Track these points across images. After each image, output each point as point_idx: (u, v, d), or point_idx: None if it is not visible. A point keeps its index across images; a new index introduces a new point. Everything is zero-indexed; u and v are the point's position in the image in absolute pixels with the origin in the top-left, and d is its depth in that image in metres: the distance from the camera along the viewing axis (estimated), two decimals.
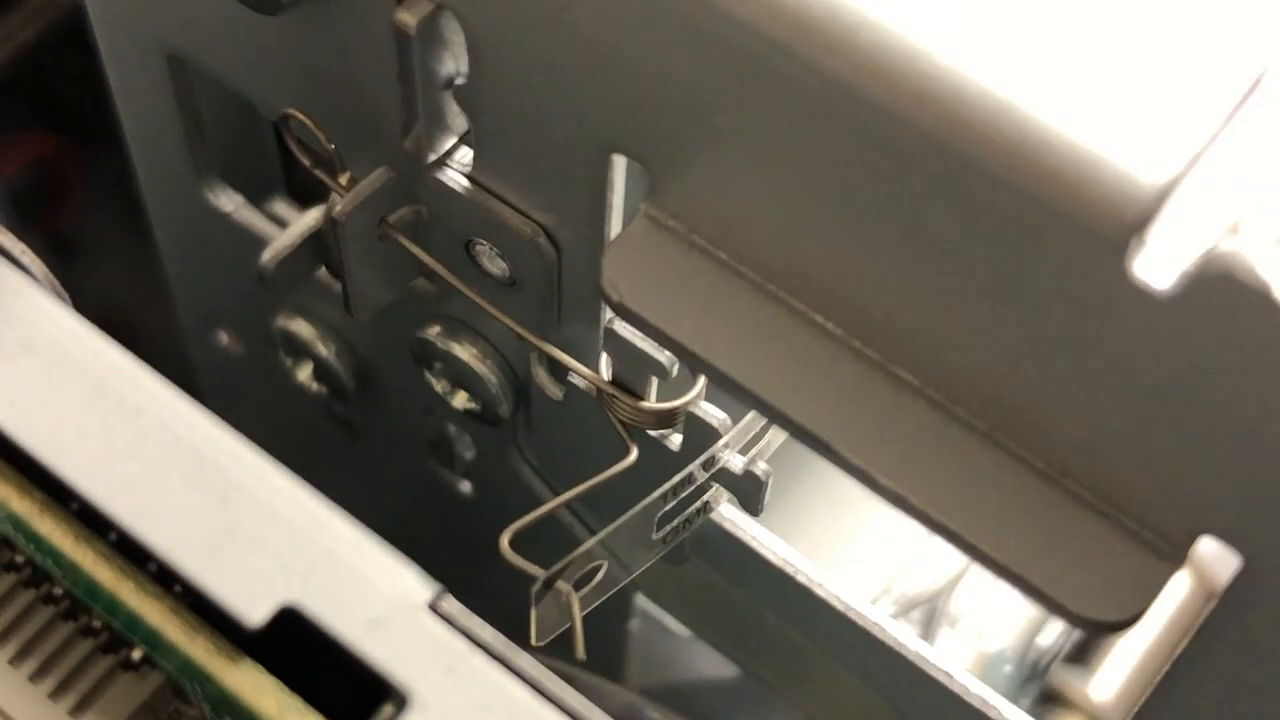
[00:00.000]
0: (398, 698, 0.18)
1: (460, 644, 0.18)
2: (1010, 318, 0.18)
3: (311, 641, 0.18)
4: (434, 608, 0.18)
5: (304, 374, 0.30)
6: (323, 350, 0.29)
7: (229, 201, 0.28)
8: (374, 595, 0.18)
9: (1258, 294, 0.15)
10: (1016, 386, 0.18)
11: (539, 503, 0.27)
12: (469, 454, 0.29)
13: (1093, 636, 0.30)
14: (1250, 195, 0.16)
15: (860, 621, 0.24)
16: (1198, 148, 0.16)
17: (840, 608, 0.24)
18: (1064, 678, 0.35)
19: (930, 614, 0.29)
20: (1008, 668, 0.29)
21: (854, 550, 0.30)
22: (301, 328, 0.29)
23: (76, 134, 0.41)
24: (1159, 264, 0.16)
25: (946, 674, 0.24)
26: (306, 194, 0.30)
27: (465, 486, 0.30)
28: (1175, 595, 0.35)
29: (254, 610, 0.18)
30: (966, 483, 0.19)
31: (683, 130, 0.19)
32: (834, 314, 0.19)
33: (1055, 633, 0.29)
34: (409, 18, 0.20)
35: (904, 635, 0.24)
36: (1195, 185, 0.16)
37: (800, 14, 0.17)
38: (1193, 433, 0.17)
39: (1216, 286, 0.15)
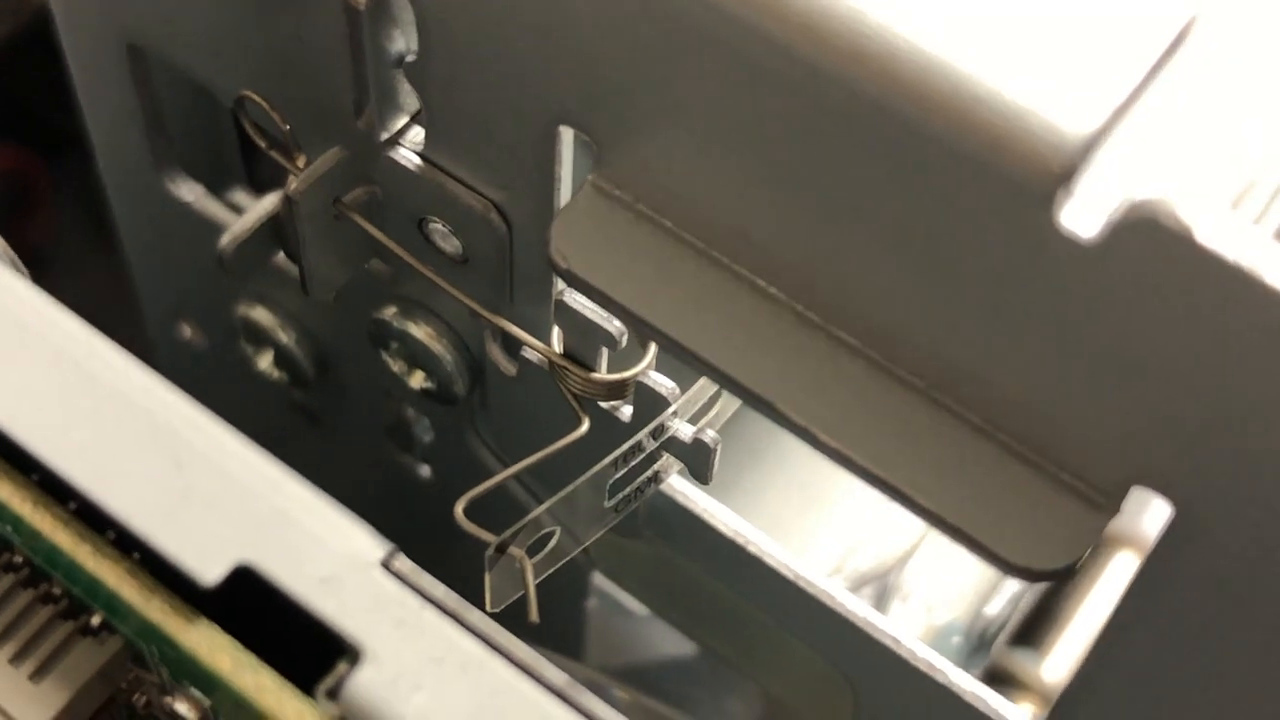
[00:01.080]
0: (351, 652, 0.18)
1: (412, 600, 0.18)
2: (943, 275, 0.18)
3: (266, 600, 0.18)
4: (386, 565, 0.18)
5: (265, 362, 0.30)
6: (283, 337, 0.29)
7: (190, 192, 0.28)
8: (327, 554, 0.18)
9: (1181, 239, 0.15)
10: (951, 343, 0.19)
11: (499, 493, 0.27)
12: (427, 437, 0.29)
13: (1032, 583, 0.30)
14: (1173, 145, 0.16)
15: (810, 590, 0.24)
16: (1122, 100, 0.16)
17: (790, 576, 0.24)
18: (1015, 659, 0.35)
19: (881, 590, 0.29)
20: (956, 638, 0.29)
21: (806, 531, 0.30)
22: (261, 315, 0.29)
23: (46, 145, 0.41)
24: (1084, 214, 0.16)
25: (894, 639, 0.24)
26: (266, 184, 0.30)
27: (424, 470, 0.30)
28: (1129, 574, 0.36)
29: (209, 570, 0.18)
30: (906, 439, 0.19)
31: (627, 101, 0.19)
32: (775, 278, 0.20)
33: (1002, 603, 0.29)
34: None
35: (853, 603, 0.24)
36: (1119, 136, 0.16)
37: None
38: (1121, 382, 0.17)
39: (1141, 233, 0.16)
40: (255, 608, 0.18)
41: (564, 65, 0.19)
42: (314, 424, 0.31)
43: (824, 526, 0.30)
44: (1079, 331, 0.17)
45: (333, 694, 0.18)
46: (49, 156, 0.41)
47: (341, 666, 0.18)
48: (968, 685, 0.24)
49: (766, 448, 0.30)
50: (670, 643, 0.31)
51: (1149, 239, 0.16)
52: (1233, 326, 0.16)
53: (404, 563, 0.19)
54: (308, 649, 0.18)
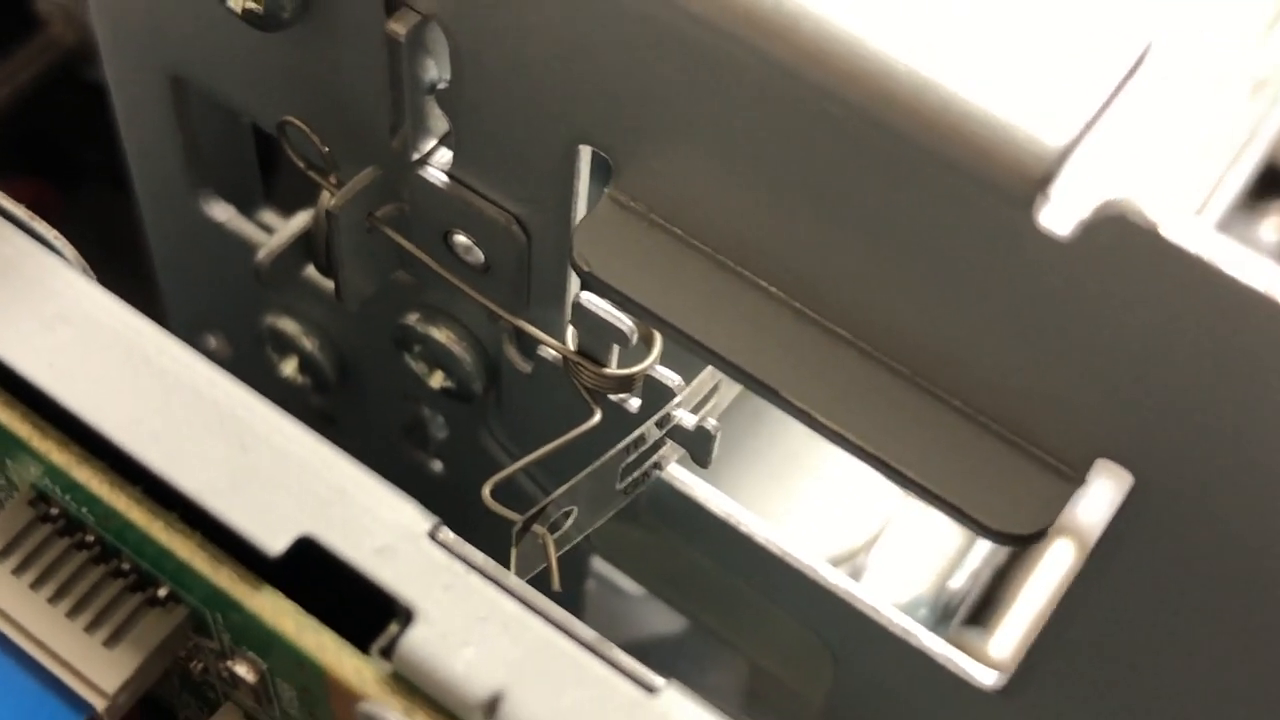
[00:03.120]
0: (404, 614, 0.19)
1: (458, 566, 0.19)
2: (930, 273, 0.19)
3: (326, 568, 0.19)
4: (433, 536, 0.19)
5: (289, 368, 0.30)
6: (307, 345, 0.30)
7: (222, 212, 0.29)
8: (380, 526, 0.19)
9: (1148, 234, 0.16)
10: (935, 334, 0.19)
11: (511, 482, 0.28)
12: (441, 434, 0.29)
13: (1006, 547, 0.31)
14: (1136, 152, 0.17)
15: (796, 565, 0.25)
16: (1091, 114, 0.17)
17: (778, 553, 0.25)
18: (966, 637, 0.36)
19: (852, 571, 0.30)
20: (923, 611, 0.30)
21: (781, 518, 0.31)
22: (287, 325, 0.30)
23: (65, 178, 0.41)
24: (1060, 214, 0.17)
25: (873, 608, 0.25)
26: (285, 204, 0.31)
27: (436, 465, 0.30)
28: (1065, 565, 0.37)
29: (274, 541, 0.19)
30: (894, 420, 0.20)
31: (642, 122, 0.20)
32: (776, 279, 0.20)
33: (963, 578, 0.30)
34: (399, 27, 0.21)
35: (835, 576, 0.25)
36: (1090, 146, 0.17)
37: (747, 7, 0.18)
38: (1089, 365, 0.18)
39: (1111, 230, 0.17)
40: (315, 575, 0.19)
41: (586, 91, 0.20)
42: (331, 425, 0.32)
43: (798, 515, 0.31)
44: (1053, 321, 0.18)
45: (385, 652, 0.19)
46: (67, 189, 0.42)
47: (393, 627, 0.19)
48: (939, 648, 0.24)
49: (745, 443, 0.31)
50: (661, 621, 0.31)
51: (1119, 235, 0.17)
52: (1192, 312, 0.17)
53: (447, 534, 0.19)
54: (363, 611, 0.19)
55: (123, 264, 0.32)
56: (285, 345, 0.30)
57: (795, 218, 0.20)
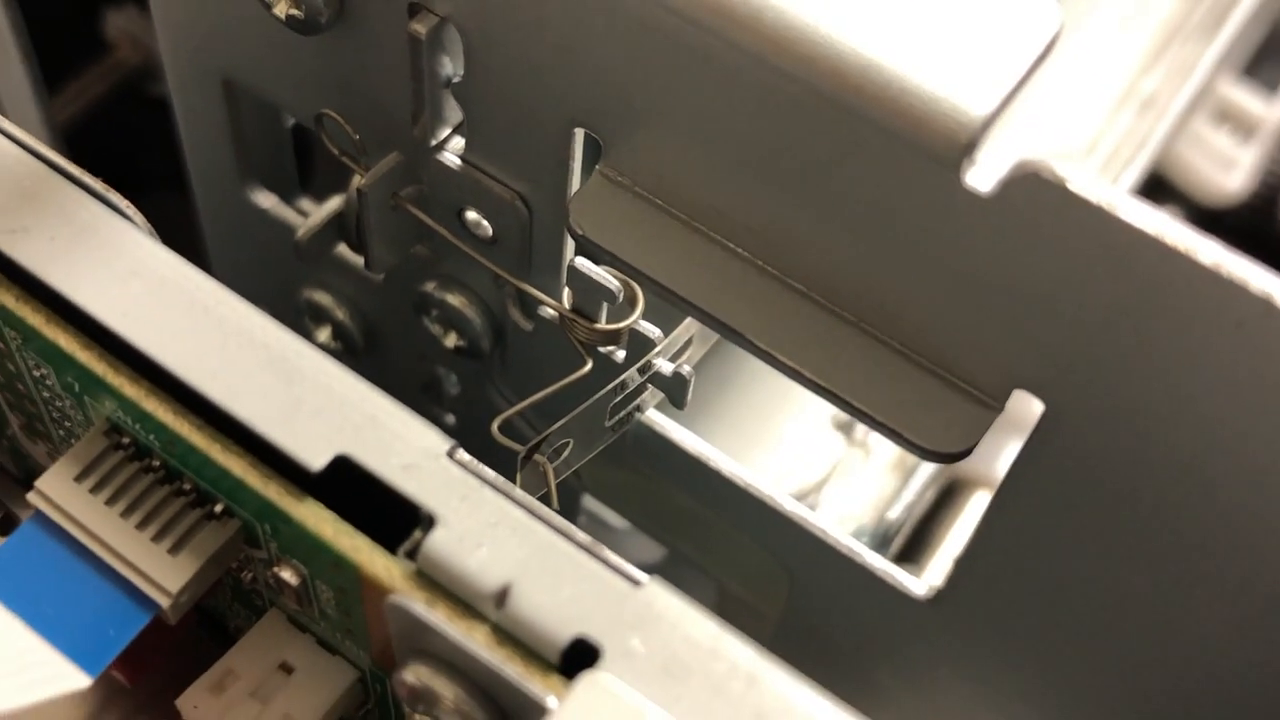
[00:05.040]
0: (426, 521, 0.19)
1: (472, 481, 0.19)
2: (870, 231, 0.19)
3: (359, 483, 0.19)
4: (451, 455, 0.19)
5: (324, 335, 0.30)
6: (339, 314, 0.30)
7: (266, 199, 0.29)
8: (405, 446, 0.19)
9: (1057, 188, 0.17)
10: (874, 284, 0.20)
11: (510, 425, 0.28)
12: (454, 390, 0.29)
13: (938, 464, 0.31)
14: (1046, 120, 0.18)
15: (760, 496, 0.25)
16: (1010, 88, 0.17)
17: (743, 486, 0.25)
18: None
19: (808, 506, 0.30)
20: (865, 538, 0.30)
21: (747, 462, 0.31)
22: (323, 297, 0.30)
23: (130, 185, 0.41)
24: (984, 174, 0.17)
25: (824, 531, 0.25)
26: (318, 193, 0.31)
27: (450, 418, 0.30)
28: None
29: (315, 459, 0.19)
30: (842, 359, 0.20)
31: (627, 106, 0.20)
32: (742, 241, 0.21)
33: (899, 509, 0.31)
34: (420, 27, 0.21)
35: (793, 504, 0.25)
36: (1009, 114, 0.17)
37: (717, 1, 0.18)
38: (1008, 306, 0.18)
39: (1027, 185, 0.17)
40: (350, 488, 0.19)
41: (580, 79, 0.20)
42: None
43: (760, 460, 0.31)
44: (977, 268, 0.18)
45: (410, 554, 0.19)
46: (131, 194, 0.42)
47: (417, 533, 0.19)
48: (880, 564, 0.25)
49: (713, 400, 0.31)
50: (642, 550, 0.32)
51: (1033, 189, 0.17)
52: (1095, 254, 0.17)
53: (463, 454, 0.19)
54: (386, 521, 0.19)
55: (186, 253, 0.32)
56: (320, 315, 0.30)
57: (758, 187, 0.20)
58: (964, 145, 0.17)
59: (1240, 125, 0.48)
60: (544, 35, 0.20)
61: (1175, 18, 0.40)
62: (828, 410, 0.31)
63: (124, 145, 0.41)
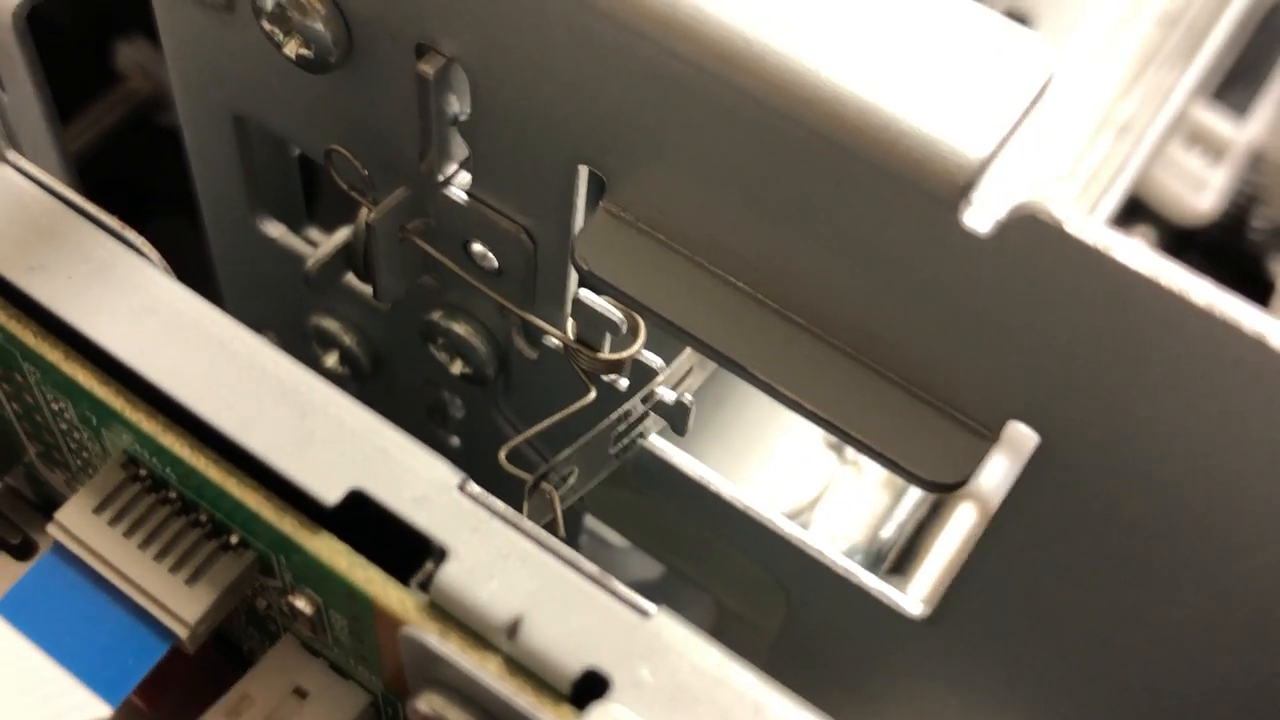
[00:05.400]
0: (438, 553, 0.18)
1: (483, 513, 0.19)
2: (867, 267, 0.19)
3: (372, 514, 0.19)
4: (461, 488, 0.19)
5: (331, 360, 0.30)
6: (346, 340, 0.29)
7: (275, 229, 0.29)
8: (416, 479, 0.19)
9: (1054, 230, 0.16)
10: (873, 319, 0.19)
11: (517, 451, 0.28)
12: (459, 414, 0.29)
13: (927, 502, 0.31)
14: (1038, 163, 0.17)
15: (758, 518, 0.25)
16: (1005, 132, 0.17)
17: (743, 509, 0.25)
18: (890, 583, 0.36)
19: (800, 525, 0.30)
20: (858, 557, 0.30)
21: (742, 482, 0.31)
22: (330, 323, 0.29)
23: (137, 211, 0.41)
24: (981, 214, 0.17)
25: (820, 552, 0.25)
26: (324, 223, 0.31)
27: (454, 441, 0.30)
28: (969, 524, 0.37)
29: (330, 493, 0.19)
30: (841, 390, 0.20)
31: (630, 145, 0.20)
32: (743, 275, 0.20)
33: (892, 528, 0.30)
34: (428, 68, 0.21)
35: (790, 526, 0.25)
36: (1004, 157, 0.17)
37: (722, 45, 0.18)
38: (1003, 342, 0.18)
39: (1024, 227, 0.17)
40: (364, 521, 0.19)
41: (586, 119, 0.20)
42: None
43: (754, 480, 0.31)
44: (973, 304, 0.18)
45: (423, 586, 0.19)
46: (138, 221, 0.41)
47: (429, 565, 0.19)
48: (876, 584, 0.24)
49: (709, 422, 0.31)
50: (641, 568, 0.31)
51: (1030, 231, 0.17)
52: (1090, 294, 0.17)
53: (473, 486, 0.19)
54: (398, 553, 0.19)
55: (188, 283, 0.32)
56: (328, 341, 0.30)
57: (757, 224, 0.20)
58: (962, 187, 0.17)
59: (1211, 147, 0.48)
60: (550, 76, 0.20)
61: (1150, 45, 0.40)
62: (819, 430, 0.31)
63: (134, 173, 0.40)
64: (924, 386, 0.20)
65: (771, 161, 0.18)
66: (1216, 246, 0.49)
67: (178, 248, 0.35)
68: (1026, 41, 0.17)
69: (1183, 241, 0.48)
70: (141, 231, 0.35)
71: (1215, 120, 0.47)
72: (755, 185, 0.19)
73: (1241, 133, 0.47)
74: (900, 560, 0.37)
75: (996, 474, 0.23)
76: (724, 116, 0.18)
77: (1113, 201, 0.33)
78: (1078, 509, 0.20)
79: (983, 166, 0.17)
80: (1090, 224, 0.16)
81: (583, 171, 0.21)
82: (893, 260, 0.18)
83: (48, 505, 0.27)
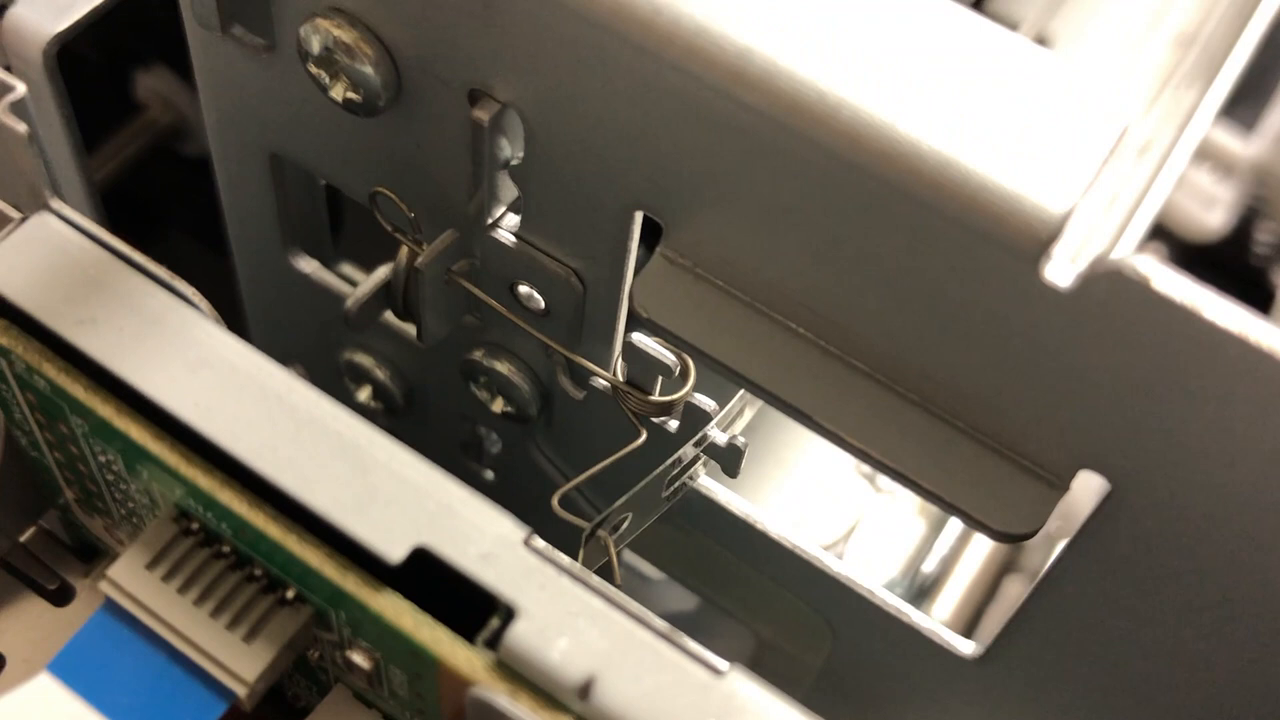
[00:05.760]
0: (504, 610, 0.18)
1: (550, 569, 0.18)
2: (942, 320, 0.18)
3: (438, 573, 0.18)
4: (527, 544, 0.18)
5: (364, 395, 0.30)
6: (380, 375, 0.29)
7: (308, 265, 0.28)
8: (482, 536, 0.18)
9: (1139, 285, 0.16)
10: (944, 368, 0.19)
11: (551, 484, 0.27)
12: (495, 449, 0.29)
13: (1005, 544, 0.31)
14: (1120, 214, 0.17)
15: (805, 555, 0.25)
16: (1085, 184, 0.17)
17: (789, 546, 0.25)
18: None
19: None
20: (898, 590, 0.29)
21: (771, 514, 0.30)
22: (363, 359, 0.29)
23: (154, 236, 0.40)
24: (1062, 268, 0.17)
25: (869, 590, 0.24)
26: (350, 256, 0.30)
27: (489, 475, 0.30)
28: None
29: (393, 551, 0.18)
30: (908, 439, 0.20)
31: (690, 191, 0.20)
32: (805, 322, 0.20)
33: (935, 561, 0.30)
34: (483, 114, 0.21)
35: (837, 564, 0.25)
36: (1085, 211, 0.17)
37: (796, 97, 0.17)
38: (1080, 394, 0.18)
39: (1107, 282, 0.16)
40: (429, 579, 0.18)
41: (645, 165, 0.20)
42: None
43: (786, 513, 0.31)
44: (1048, 357, 0.18)
45: (490, 643, 0.18)
46: (148, 244, 0.41)
47: (494, 621, 0.18)
48: (925, 623, 0.24)
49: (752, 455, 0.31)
50: (677, 601, 0.31)
51: (1114, 287, 0.16)
52: (1173, 350, 0.16)
53: (539, 541, 0.19)
54: (471, 610, 0.18)
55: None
56: (360, 376, 0.29)
57: (823, 273, 0.19)
58: (1044, 242, 0.16)
59: (1220, 163, 0.47)
60: (610, 123, 0.19)
61: (1167, 65, 0.39)
62: (851, 457, 0.31)
63: (156, 202, 0.40)
64: (993, 435, 0.19)
65: (841, 213, 0.18)
66: (1220, 260, 0.48)
67: (202, 278, 0.35)
68: (1096, 89, 0.17)
69: (1187, 256, 0.48)
70: (158, 257, 0.35)
71: (1224, 136, 0.47)
72: (823, 235, 0.19)
73: (1249, 148, 0.47)
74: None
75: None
76: (794, 168, 0.18)
77: (1141, 227, 0.33)
78: (1145, 555, 0.19)
79: (1064, 220, 0.16)
80: (1177, 281, 0.16)
81: (638, 217, 0.21)
82: (967, 311, 0.18)
83: (83, 548, 0.26)
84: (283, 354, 0.31)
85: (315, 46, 0.21)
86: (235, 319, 0.32)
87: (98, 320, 0.20)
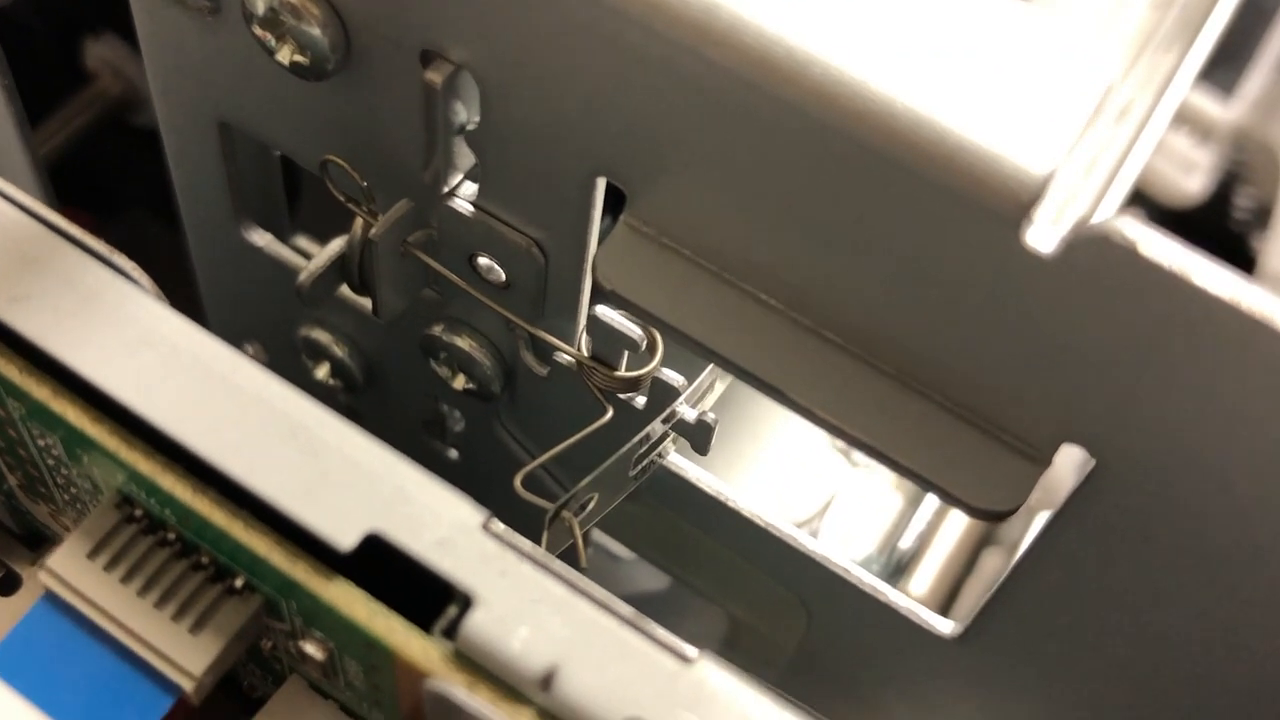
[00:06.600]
0: (462, 599, 0.17)
1: (510, 555, 0.17)
2: (918, 288, 0.18)
3: (392, 561, 0.17)
4: (486, 528, 0.18)
5: (322, 372, 0.29)
6: (338, 352, 0.28)
7: (261, 238, 0.27)
8: (438, 521, 0.18)
9: (1128, 251, 0.15)
10: (920, 340, 0.18)
11: (516, 463, 0.26)
12: (458, 427, 0.28)
13: (986, 521, 0.30)
14: (1100, 178, 0.16)
15: (777, 533, 0.24)
16: (1068, 145, 0.16)
17: (761, 524, 0.24)
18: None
19: (809, 535, 0.29)
20: (874, 567, 0.29)
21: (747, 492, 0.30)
22: (320, 335, 0.28)
23: (104, 210, 0.39)
24: (1044, 233, 0.16)
25: (844, 569, 0.24)
26: (307, 229, 0.29)
27: (452, 454, 0.29)
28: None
29: (345, 538, 0.17)
30: (884, 414, 0.19)
31: (655, 156, 0.19)
32: (775, 293, 0.19)
33: (911, 538, 0.29)
34: (435, 76, 0.20)
35: (811, 542, 0.24)
36: (1066, 174, 0.16)
37: (762, 51, 0.16)
38: (1063, 364, 0.17)
39: (1092, 247, 0.15)
40: (382, 566, 0.18)
41: (606, 131, 0.19)
42: (356, 419, 0.30)
43: (759, 490, 0.30)
44: (1030, 326, 0.17)
45: (447, 633, 0.17)
46: (104, 219, 0.40)
47: (451, 610, 0.17)
48: (902, 601, 0.23)
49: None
50: (646, 580, 0.30)
51: (1099, 252, 0.15)
52: (1160, 318, 0.16)
53: (498, 525, 0.18)
54: (426, 598, 0.18)
55: (164, 287, 0.30)
56: (318, 353, 0.28)
57: (794, 240, 0.18)
58: (1025, 205, 0.16)
59: (1198, 127, 0.47)
60: (570, 85, 0.18)
61: (1146, 27, 0.39)
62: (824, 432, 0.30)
63: (106, 175, 0.38)
64: (972, 409, 0.18)
65: (815, 176, 0.17)
66: (1199, 225, 0.48)
67: (145, 246, 0.33)
68: (1080, 47, 0.16)
69: (1166, 222, 0.47)
70: (107, 230, 0.34)
71: (1203, 100, 0.46)
72: (795, 200, 0.18)
73: (1228, 112, 0.46)
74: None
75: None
76: (763, 128, 0.17)
77: (1121, 192, 0.32)
78: (1131, 531, 0.19)
79: (1046, 183, 0.16)
80: (1166, 246, 0.15)
81: (601, 184, 0.20)
82: (945, 279, 0.17)
83: (30, 535, 0.25)
84: (239, 331, 0.30)
85: (260, 7, 0.20)
86: (195, 296, 0.31)
87: (32, 297, 0.19)
